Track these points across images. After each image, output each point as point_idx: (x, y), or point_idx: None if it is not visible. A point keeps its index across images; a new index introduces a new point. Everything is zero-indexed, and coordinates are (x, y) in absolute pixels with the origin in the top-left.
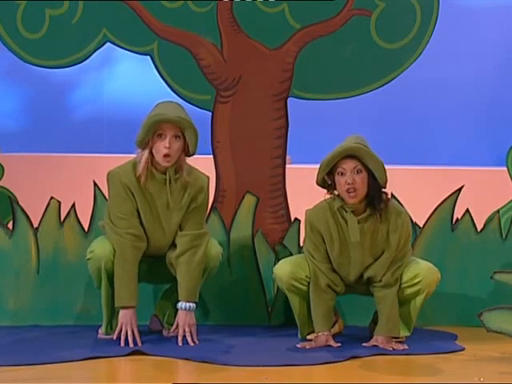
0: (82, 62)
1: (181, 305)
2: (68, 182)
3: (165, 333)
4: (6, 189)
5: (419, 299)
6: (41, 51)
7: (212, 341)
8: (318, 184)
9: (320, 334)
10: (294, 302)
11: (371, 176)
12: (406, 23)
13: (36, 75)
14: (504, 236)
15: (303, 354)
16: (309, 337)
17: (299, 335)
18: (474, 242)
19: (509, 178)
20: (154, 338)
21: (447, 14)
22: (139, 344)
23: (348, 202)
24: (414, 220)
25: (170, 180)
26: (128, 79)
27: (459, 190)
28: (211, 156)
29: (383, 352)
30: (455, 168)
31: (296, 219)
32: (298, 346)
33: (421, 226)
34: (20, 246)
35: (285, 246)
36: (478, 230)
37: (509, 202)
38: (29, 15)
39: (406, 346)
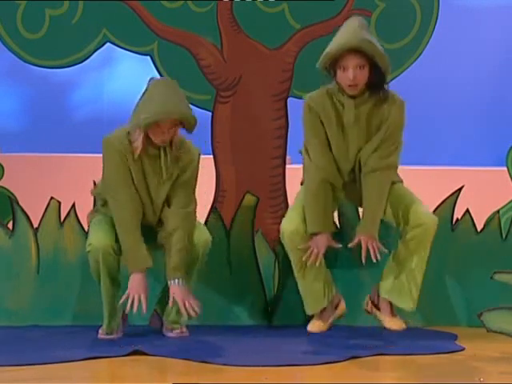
0: (82, 62)
1: (173, 281)
2: (68, 182)
3: (164, 331)
4: (6, 189)
5: (423, 257)
6: (41, 51)
7: (212, 341)
8: (319, 68)
9: (318, 236)
10: (298, 270)
11: (374, 66)
12: (406, 23)
13: (36, 75)
14: (504, 236)
15: (303, 354)
16: (300, 247)
17: (307, 311)
18: (474, 242)
19: (509, 178)
20: (154, 337)
21: (447, 14)
22: (144, 310)
23: (348, 93)
24: None
25: (165, 152)
26: (128, 79)
27: (459, 190)
28: (211, 156)
29: (383, 352)
30: (455, 168)
31: None
32: (300, 247)
33: None
34: (20, 246)
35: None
36: (478, 230)
37: (509, 202)
38: (29, 15)
39: (385, 250)
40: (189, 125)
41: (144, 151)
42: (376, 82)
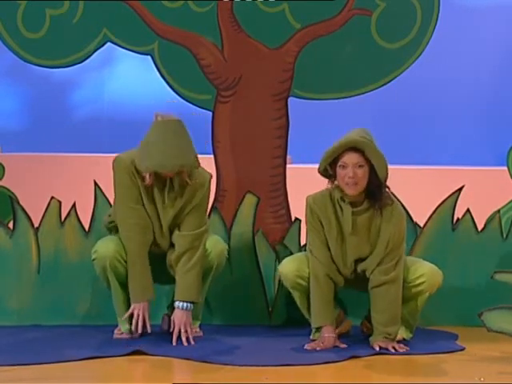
0: (82, 61)
1: (178, 304)
2: (69, 181)
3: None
4: (6, 188)
5: (421, 300)
6: (41, 51)
7: (212, 340)
8: (319, 172)
9: (326, 335)
10: (300, 299)
11: (373, 170)
12: (407, 23)
13: (36, 75)
14: (504, 236)
15: (303, 354)
16: (311, 338)
17: (313, 326)
18: (474, 241)
19: (509, 178)
20: (155, 337)
21: (448, 14)
22: (148, 330)
23: (347, 193)
24: (414, 220)
25: (170, 181)
26: (129, 79)
27: (460, 189)
28: (211, 156)
29: (383, 352)
30: (456, 168)
31: (296, 219)
32: (307, 347)
33: (421, 225)
34: (20, 246)
35: (285, 246)
36: (479, 229)
37: (509, 202)
38: (29, 15)
39: (406, 348)
40: (190, 170)
41: (151, 180)
42: (374, 189)
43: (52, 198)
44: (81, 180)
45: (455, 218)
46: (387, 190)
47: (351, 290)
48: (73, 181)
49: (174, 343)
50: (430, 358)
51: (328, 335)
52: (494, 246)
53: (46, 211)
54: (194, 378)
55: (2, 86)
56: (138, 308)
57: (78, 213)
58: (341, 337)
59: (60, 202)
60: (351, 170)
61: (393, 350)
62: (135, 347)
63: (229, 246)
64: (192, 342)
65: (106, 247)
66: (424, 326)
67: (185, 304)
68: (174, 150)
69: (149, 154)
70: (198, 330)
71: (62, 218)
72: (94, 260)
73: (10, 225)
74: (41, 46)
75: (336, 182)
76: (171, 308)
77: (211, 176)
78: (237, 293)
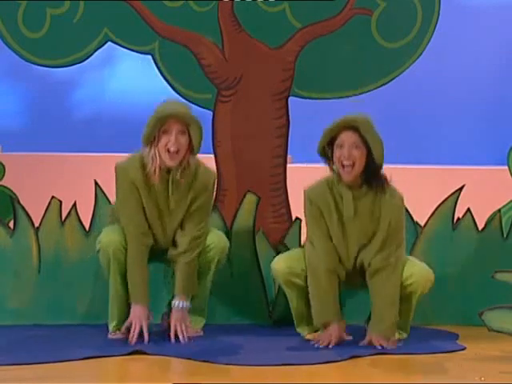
0: (83, 61)
1: (174, 302)
2: (69, 181)
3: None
4: (7, 188)
5: (414, 299)
6: (42, 50)
7: (212, 340)
8: (318, 153)
9: (331, 327)
10: (292, 296)
11: (370, 154)
12: (407, 22)
13: (37, 74)
14: (505, 235)
15: (303, 354)
16: (308, 336)
17: (298, 330)
18: (474, 241)
19: (510, 178)
20: (155, 337)
21: (448, 14)
22: (146, 339)
23: (344, 179)
24: (414, 219)
25: (172, 181)
26: (129, 78)
27: (460, 189)
28: (212, 155)
29: (383, 352)
30: (456, 167)
31: (297, 218)
32: (309, 337)
33: (422, 225)
34: (21, 246)
35: (286, 245)
36: (479, 229)
37: (510, 202)
38: (30, 14)
39: (396, 345)
40: (195, 131)
41: (158, 177)
42: (371, 174)
43: (52, 197)
44: (81, 179)
45: (456, 218)
46: (384, 175)
47: (350, 291)
48: (73, 180)
49: (172, 340)
50: (430, 358)
51: (333, 328)
52: (494, 245)
53: (46, 211)
54: (193, 378)
55: (2, 85)
56: (135, 318)
57: (79, 212)
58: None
59: (60, 202)
60: (347, 150)
61: (379, 346)
62: (135, 347)
63: (229, 246)
64: (186, 340)
65: (109, 236)
66: (424, 326)
67: (181, 303)
68: (181, 106)
69: (156, 114)
70: (199, 329)
71: (63, 218)
72: (98, 252)
73: (11, 224)
74: (41, 45)
75: (334, 167)
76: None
77: (216, 176)
78: (237, 292)
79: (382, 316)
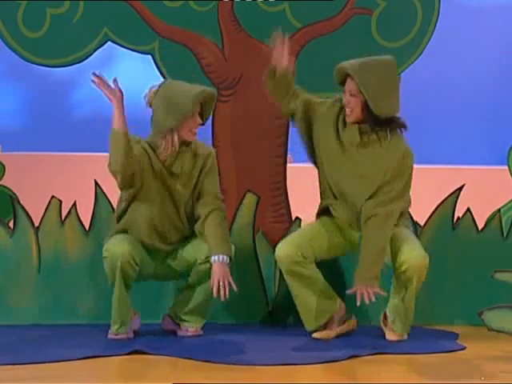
0: (82, 60)
1: (214, 257)
2: (69, 180)
3: (179, 332)
4: (6, 188)
5: (411, 289)
6: (42, 50)
7: (213, 340)
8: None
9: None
10: (295, 288)
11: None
12: (407, 22)
13: (37, 74)
14: (505, 235)
15: (304, 353)
16: (316, 335)
17: (307, 327)
18: (474, 240)
19: (510, 177)
20: (155, 337)
21: (448, 13)
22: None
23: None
24: (415, 219)
25: (181, 156)
26: (129, 78)
27: (460, 188)
28: None
29: (383, 351)
30: (456, 167)
31: (297, 218)
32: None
33: (422, 224)
34: (21, 245)
35: None
36: (479, 228)
37: (510, 201)
38: (30, 14)
39: (383, 293)
40: (208, 110)
41: (165, 159)
42: (371, 123)
43: (52, 197)
44: (81, 179)
45: (455, 217)
46: (397, 124)
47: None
48: (73, 180)
49: (215, 295)
50: (430, 358)
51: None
52: (494, 245)
53: (46, 210)
54: (194, 378)
55: (2, 84)
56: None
57: (79, 212)
58: (343, 335)
59: (60, 201)
60: (345, 97)
61: (365, 295)
62: (135, 347)
63: None
64: (227, 295)
65: (118, 247)
66: (424, 326)
67: (221, 257)
68: (196, 86)
69: (180, 102)
70: (199, 329)
71: (63, 218)
72: (104, 258)
73: (11, 224)
74: (41, 45)
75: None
76: (172, 307)
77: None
78: (237, 292)
79: (367, 265)
